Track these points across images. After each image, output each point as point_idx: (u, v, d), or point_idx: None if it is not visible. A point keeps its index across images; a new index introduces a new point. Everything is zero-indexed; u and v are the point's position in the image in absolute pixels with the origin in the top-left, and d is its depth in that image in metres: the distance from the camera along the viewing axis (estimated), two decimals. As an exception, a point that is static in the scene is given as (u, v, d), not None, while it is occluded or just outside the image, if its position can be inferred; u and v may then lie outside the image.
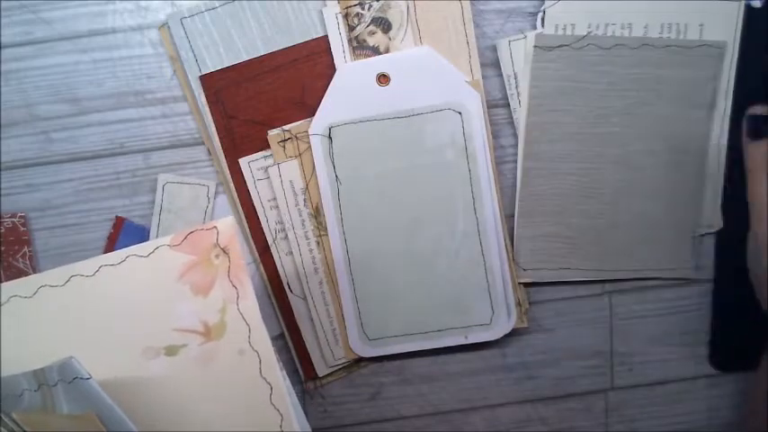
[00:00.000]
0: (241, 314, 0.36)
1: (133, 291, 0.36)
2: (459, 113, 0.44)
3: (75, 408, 0.34)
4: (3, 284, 0.36)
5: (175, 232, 0.36)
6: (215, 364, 0.36)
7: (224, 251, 0.36)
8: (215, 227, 0.35)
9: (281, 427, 0.36)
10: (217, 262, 0.36)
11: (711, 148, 0.45)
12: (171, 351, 0.36)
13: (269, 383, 0.36)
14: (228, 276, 0.36)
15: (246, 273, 0.36)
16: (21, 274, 0.45)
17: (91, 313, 0.36)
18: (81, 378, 0.34)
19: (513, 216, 0.46)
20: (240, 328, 0.36)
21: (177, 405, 0.35)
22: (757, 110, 0.44)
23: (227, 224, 0.35)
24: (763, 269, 0.43)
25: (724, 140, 0.45)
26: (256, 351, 0.36)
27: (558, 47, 0.43)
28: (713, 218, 0.46)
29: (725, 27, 0.44)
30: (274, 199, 0.45)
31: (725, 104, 0.45)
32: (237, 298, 0.36)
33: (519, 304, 0.46)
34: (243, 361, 0.36)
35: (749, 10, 0.44)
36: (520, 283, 0.46)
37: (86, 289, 0.35)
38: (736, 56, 0.44)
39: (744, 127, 0.44)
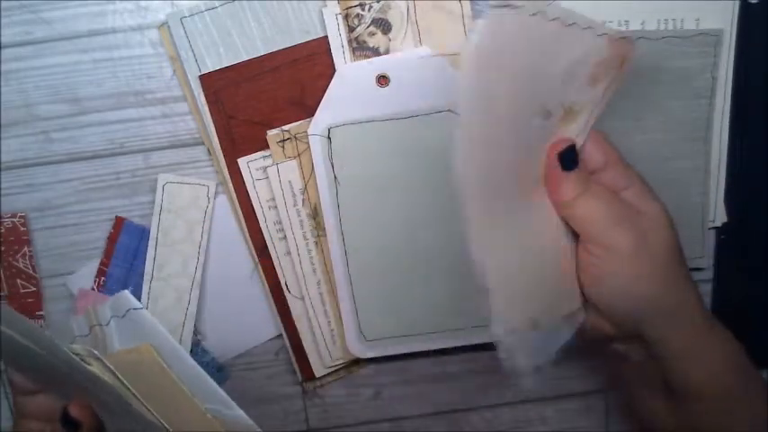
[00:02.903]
0: None
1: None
2: (459, 115, 0.43)
3: (128, 343, 0.34)
4: None
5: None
6: None
7: None
8: None
9: None
10: None
11: (714, 139, 0.45)
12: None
13: None
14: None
15: None
16: (21, 274, 0.45)
17: None
18: (134, 309, 0.34)
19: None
20: None
21: None
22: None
23: None
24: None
25: (725, 135, 0.45)
26: None
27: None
28: (717, 211, 0.46)
29: (722, 21, 0.44)
30: (273, 199, 0.45)
31: (724, 97, 0.45)
32: None
33: (517, 305, 0.46)
34: None
35: (746, 5, 0.44)
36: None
37: None
38: (733, 48, 0.44)
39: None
